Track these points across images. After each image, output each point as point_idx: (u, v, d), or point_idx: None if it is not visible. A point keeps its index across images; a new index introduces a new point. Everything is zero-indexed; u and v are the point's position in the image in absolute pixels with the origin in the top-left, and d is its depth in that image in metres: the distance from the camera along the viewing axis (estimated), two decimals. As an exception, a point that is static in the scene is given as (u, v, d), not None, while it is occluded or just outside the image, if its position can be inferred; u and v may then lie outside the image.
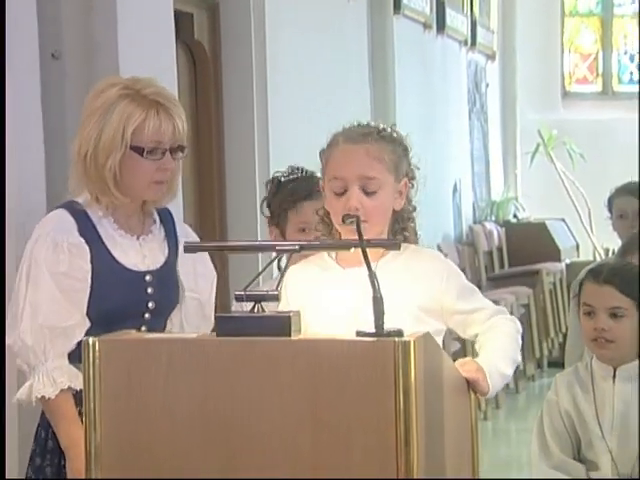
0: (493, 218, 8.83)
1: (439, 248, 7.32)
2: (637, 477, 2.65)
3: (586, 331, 2.70)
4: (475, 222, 8.48)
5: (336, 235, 2.24)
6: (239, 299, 1.88)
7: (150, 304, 2.47)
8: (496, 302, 7.70)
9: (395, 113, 6.21)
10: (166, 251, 2.53)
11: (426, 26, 7.49)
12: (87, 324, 2.41)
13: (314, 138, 2.38)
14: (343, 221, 2.15)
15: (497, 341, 2.19)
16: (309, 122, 4.86)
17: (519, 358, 2.27)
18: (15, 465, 2.90)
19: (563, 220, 9.03)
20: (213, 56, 4.67)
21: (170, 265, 2.53)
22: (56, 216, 2.46)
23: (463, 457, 2.07)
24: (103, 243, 2.45)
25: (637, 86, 9.61)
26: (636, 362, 2.68)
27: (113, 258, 2.44)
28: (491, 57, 9.20)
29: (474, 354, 2.21)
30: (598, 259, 8.08)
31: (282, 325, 1.84)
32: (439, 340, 2.16)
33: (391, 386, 1.75)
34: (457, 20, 8.14)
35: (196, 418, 1.83)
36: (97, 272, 2.42)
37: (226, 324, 1.86)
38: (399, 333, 1.79)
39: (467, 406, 2.07)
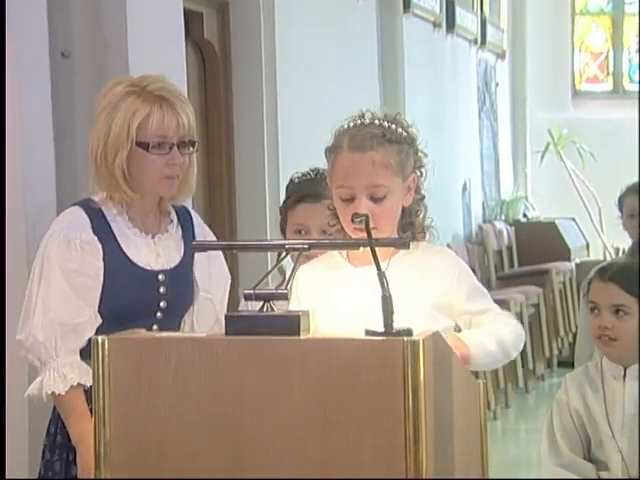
0: (503, 217, 8.82)
1: (449, 247, 7.30)
2: (647, 477, 2.64)
3: (592, 328, 2.70)
4: (485, 221, 8.47)
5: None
6: (248, 298, 1.88)
7: (162, 303, 2.47)
8: (506, 301, 7.66)
9: (405, 112, 6.20)
10: (182, 251, 2.53)
11: (436, 25, 7.48)
12: (98, 321, 2.42)
13: (323, 136, 2.37)
14: (352, 220, 2.15)
15: (491, 326, 2.19)
16: (318, 120, 4.85)
17: (510, 350, 2.25)
18: (25, 462, 2.90)
19: (573, 219, 9.01)
20: (223, 55, 4.67)
21: (185, 265, 2.53)
22: (71, 213, 2.48)
23: (472, 456, 2.06)
24: (116, 241, 2.45)
25: (647, 85, 9.60)
26: (647, 361, 2.67)
27: (126, 256, 2.45)
28: (501, 56, 9.19)
29: None
30: (608, 258, 8.06)
31: (291, 324, 1.83)
32: None
33: (400, 385, 1.75)
34: (467, 19, 8.13)
35: (205, 417, 1.83)
36: (109, 270, 2.43)
37: (235, 323, 1.86)
38: (408, 332, 1.79)
39: (476, 405, 2.07)
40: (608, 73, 10.09)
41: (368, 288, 2.06)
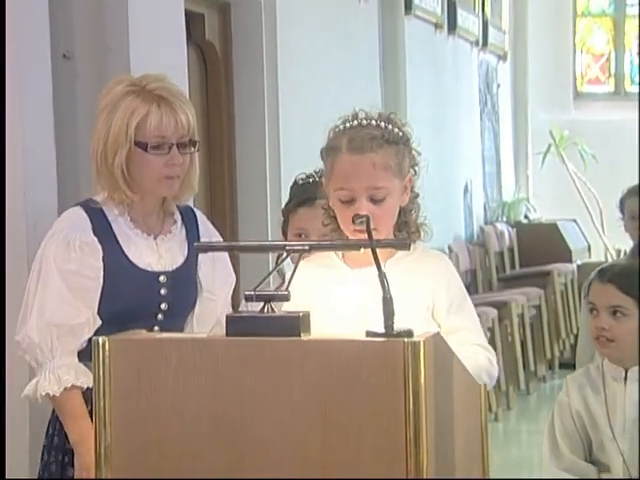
0: (504, 219, 8.82)
1: (450, 248, 7.31)
2: (648, 479, 2.64)
3: (590, 329, 2.71)
4: (486, 223, 8.47)
5: (343, 233, 2.24)
6: (249, 299, 1.88)
7: (163, 305, 2.46)
8: (507, 303, 7.62)
9: (406, 113, 6.20)
10: (186, 252, 2.51)
11: (437, 26, 7.48)
12: (97, 323, 2.40)
13: (325, 138, 2.37)
14: (353, 221, 2.15)
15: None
16: (320, 121, 4.85)
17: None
18: (26, 462, 2.90)
19: (574, 221, 9.01)
20: (224, 56, 4.67)
21: (189, 266, 2.51)
22: (71, 214, 2.47)
23: (473, 458, 2.06)
24: (117, 242, 2.44)
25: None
26: (648, 363, 2.67)
27: (126, 257, 2.44)
28: (502, 57, 9.19)
29: None
30: (610, 260, 8.06)
31: (292, 325, 1.83)
32: None
33: (401, 387, 1.75)
34: (468, 20, 8.13)
35: (205, 418, 1.83)
36: (109, 271, 2.42)
37: (236, 324, 1.86)
38: (409, 333, 1.79)
39: (477, 407, 2.07)
40: (610, 75, 10.09)
41: (364, 289, 2.07)
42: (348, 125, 2.21)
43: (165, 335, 2.02)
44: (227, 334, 1.86)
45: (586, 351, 3.15)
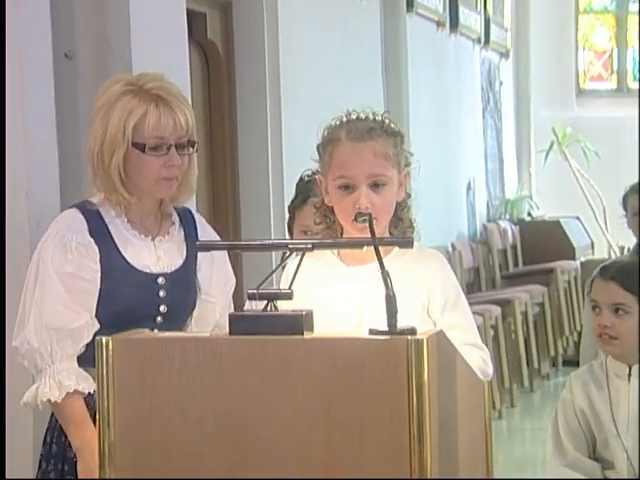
0: (507, 216, 8.81)
1: (453, 246, 7.31)
2: (653, 476, 2.64)
3: (593, 327, 2.70)
4: (489, 220, 8.46)
5: (337, 229, 2.24)
6: (252, 297, 1.88)
7: (162, 307, 2.42)
8: (510, 301, 7.61)
9: (408, 111, 6.20)
10: (184, 253, 2.47)
11: (439, 24, 7.48)
12: (96, 326, 2.36)
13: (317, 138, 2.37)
14: (355, 219, 2.15)
15: None
16: (322, 121, 4.86)
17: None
18: (29, 468, 2.90)
19: (578, 218, 9.00)
20: (226, 55, 4.67)
21: (188, 268, 2.47)
22: (67, 216, 2.43)
23: (477, 456, 2.06)
24: (114, 243, 2.40)
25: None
26: (651, 360, 2.67)
27: (124, 259, 2.40)
28: (505, 55, 9.18)
29: None
30: (613, 257, 8.05)
31: (295, 324, 1.83)
32: None
33: (404, 384, 1.75)
34: (470, 18, 8.12)
35: (209, 417, 1.83)
36: (106, 273, 2.38)
37: (239, 323, 1.86)
38: (412, 331, 1.79)
39: (481, 405, 2.07)
40: (612, 71, 10.08)
41: (362, 287, 2.06)
42: (345, 119, 2.22)
43: (168, 334, 2.02)
44: (230, 333, 1.86)
45: (590, 348, 3.15)
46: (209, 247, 2.37)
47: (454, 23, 7.69)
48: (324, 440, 1.78)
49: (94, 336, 2.32)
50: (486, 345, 2.27)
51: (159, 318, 2.42)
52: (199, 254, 2.48)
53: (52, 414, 2.44)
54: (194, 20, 4.34)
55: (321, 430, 1.78)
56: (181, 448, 1.84)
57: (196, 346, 1.86)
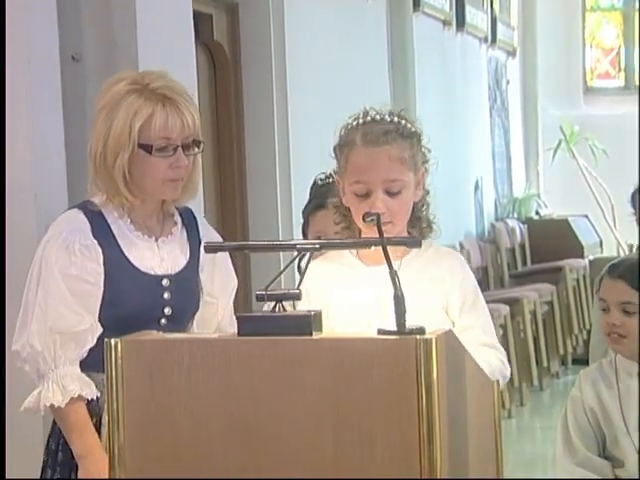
0: (515, 215, 8.80)
1: (461, 245, 7.30)
2: (663, 474, 2.63)
3: (602, 326, 2.70)
4: (497, 219, 8.45)
5: (356, 229, 2.23)
6: (260, 299, 1.88)
7: (166, 310, 2.37)
8: (519, 300, 7.58)
9: (415, 111, 6.20)
10: (188, 253, 2.42)
11: (446, 23, 7.47)
12: (99, 329, 2.32)
13: (334, 137, 2.37)
14: (363, 219, 2.15)
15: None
16: (329, 121, 4.86)
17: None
18: (29, 468, 2.89)
19: (586, 216, 8.98)
20: (232, 57, 4.68)
21: (191, 269, 2.43)
22: (69, 217, 2.38)
23: (487, 455, 2.06)
24: (118, 245, 2.35)
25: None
26: (661, 358, 2.66)
27: (127, 261, 2.35)
28: (512, 53, 9.17)
29: None
30: (622, 255, 8.04)
31: (303, 324, 1.83)
32: None
33: (413, 384, 1.74)
34: (477, 17, 8.12)
35: (218, 418, 1.83)
36: (110, 275, 2.33)
37: (248, 324, 1.86)
38: (421, 331, 1.79)
39: (490, 404, 2.06)
40: (620, 69, 10.06)
41: (381, 287, 2.06)
42: (361, 121, 2.20)
43: (177, 335, 2.02)
44: (239, 334, 1.86)
45: (599, 346, 3.14)
46: (217, 248, 2.36)
47: (461, 22, 7.69)
48: (333, 440, 1.78)
49: (98, 340, 2.29)
50: (496, 344, 2.27)
51: (163, 320, 2.38)
52: (201, 255, 2.44)
53: (54, 421, 2.38)
54: (200, 21, 4.34)
55: (330, 430, 1.78)
56: (190, 449, 1.84)
57: (205, 347, 1.85)
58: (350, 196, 2.20)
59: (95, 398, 2.30)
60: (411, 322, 1.81)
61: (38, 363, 2.30)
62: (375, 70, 6.19)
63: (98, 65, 3.28)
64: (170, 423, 1.85)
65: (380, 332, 1.82)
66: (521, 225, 8.59)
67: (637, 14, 9.59)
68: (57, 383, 2.29)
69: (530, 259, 8.48)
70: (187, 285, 2.42)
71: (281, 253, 3.69)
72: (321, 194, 2.68)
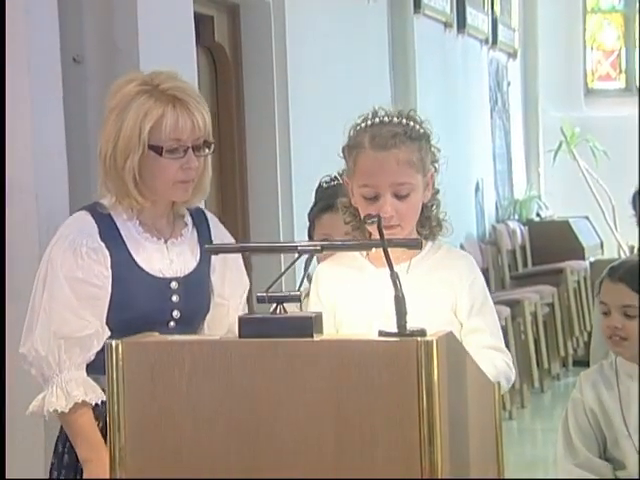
0: (516, 217, 8.80)
1: (462, 247, 7.30)
2: (664, 475, 2.63)
3: (602, 328, 2.70)
4: (498, 221, 8.45)
5: (366, 230, 2.22)
6: (261, 300, 1.88)
7: (175, 313, 2.36)
8: (520, 301, 7.59)
9: (416, 112, 6.19)
10: (198, 255, 2.40)
11: (447, 25, 7.48)
12: (107, 333, 2.30)
13: (335, 137, 2.37)
14: (365, 221, 2.15)
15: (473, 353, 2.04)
16: (330, 121, 4.87)
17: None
18: (30, 468, 2.89)
19: (587, 218, 8.98)
20: (234, 58, 4.68)
21: (201, 270, 2.41)
22: (77, 219, 2.37)
23: (488, 457, 2.06)
24: (126, 248, 2.34)
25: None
26: (662, 360, 2.66)
27: (135, 264, 2.34)
28: (512, 55, 9.17)
29: None
30: (622, 257, 8.04)
31: (304, 326, 1.83)
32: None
33: (414, 386, 1.75)
34: (478, 19, 8.12)
35: (219, 419, 1.83)
36: (118, 278, 2.32)
37: (249, 325, 1.86)
38: (422, 332, 1.79)
39: (491, 405, 2.07)
40: (620, 71, 10.06)
41: (390, 289, 2.06)
42: (369, 122, 2.19)
43: (178, 337, 2.02)
44: (240, 335, 1.86)
45: (600, 348, 3.14)
46: (217, 250, 2.36)
47: (461, 24, 7.69)
48: (334, 441, 1.78)
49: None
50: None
51: (172, 323, 2.37)
52: (212, 256, 2.43)
53: None
54: (202, 23, 4.34)
55: (331, 431, 1.78)
56: (192, 451, 1.84)
57: (206, 349, 1.86)
58: (358, 198, 2.20)
59: (100, 402, 2.28)
60: (417, 323, 1.80)
61: (42, 368, 2.30)
62: (376, 71, 6.19)
63: (99, 67, 3.28)
64: (171, 425, 1.85)
65: (381, 334, 1.82)
66: (522, 227, 8.59)
67: (638, 16, 9.59)
68: (61, 388, 2.27)
69: (531, 261, 8.48)
70: (197, 287, 2.40)
71: (282, 255, 3.69)
72: (326, 197, 2.67)
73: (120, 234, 2.35)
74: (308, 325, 1.83)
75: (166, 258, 2.38)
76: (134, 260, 2.35)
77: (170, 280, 2.37)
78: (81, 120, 3.23)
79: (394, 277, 1.85)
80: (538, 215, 9.11)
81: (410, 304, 1.82)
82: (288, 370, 1.81)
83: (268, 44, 4.72)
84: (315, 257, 2.02)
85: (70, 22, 3.22)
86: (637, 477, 2.66)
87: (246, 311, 2.51)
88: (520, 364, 6.66)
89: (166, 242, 2.40)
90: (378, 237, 2.11)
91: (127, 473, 1.86)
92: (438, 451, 1.75)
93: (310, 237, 2.74)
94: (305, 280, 2.28)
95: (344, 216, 2.26)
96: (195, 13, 3.73)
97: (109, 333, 2.32)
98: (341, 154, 2.25)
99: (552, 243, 8.41)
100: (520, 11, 9.41)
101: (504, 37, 8.80)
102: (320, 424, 1.79)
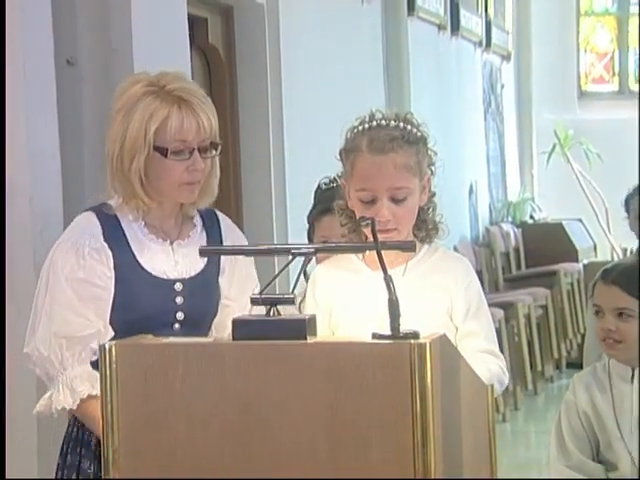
0: (510, 219, 8.81)
1: (456, 249, 7.30)
2: (657, 478, 2.63)
3: (596, 331, 2.70)
4: (492, 223, 8.46)
5: (362, 233, 2.22)
6: (255, 302, 1.88)
7: (179, 314, 2.34)
8: (513, 303, 7.60)
9: (413, 115, 6.19)
10: (206, 258, 2.37)
11: (440, 27, 7.48)
12: (109, 333, 2.30)
13: (329, 139, 2.37)
14: (359, 224, 2.15)
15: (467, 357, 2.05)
16: (324, 124, 4.87)
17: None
18: (30, 468, 2.89)
19: (580, 220, 9.00)
20: (228, 60, 4.68)
21: (209, 272, 2.39)
22: (82, 219, 2.36)
23: (481, 459, 2.06)
24: (129, 248, 2.33)
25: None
26: (655, 362, 2.67)
27: (139, 265, 2.32)
28: (506, 58, 9.19)
29: None
30: (616, 259, 8.05)
31: (298, 328, 1.84)
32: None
33: (408, 388, 1.75)
34: (472, 21, 8.13)
35: (213, 421, 1.83)
36: (121, 279, 2.31)
37: (243, 328, 1.86)
38: (415, 335, 1.79)
39: (485, 408, 2.07)
40: (614, 74, 10.08)
41: (385, 291, 2.06)
42: (367, 126, 2.19)
43: (172, 340, 2.02)
44: (234, 338, 1.86)
45: (593, 351, 3.15)
46: (211, 252, 2.36)
47: (455, 26, 7.70)
48: (328, 443, 1.79)
49: None
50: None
51: (177, 325, 2.35)
52: (222, 257, 2.41)
53: (69, 424, 2.38)
54: (196, 25, 4.34)
55: (325, 433, 1.79)
56: (185, 453, 1.84)
57: (200, 351, 1.86)
58: (355, 201, 2.20)
59: None
60: (412, 326, 1.81)
61: (46, 367, 2.30)
62: (370, 73, 6.20)
63: (94, 69, 3.28)
64: (165, 427, 1.85)
65: (374, 336, 1.82)
66: (515, 229, 8.60)
67: (636, 19, 9.61)
68: (67, 385, 2.28)
69: (524, 263, 8.49)
70: (202, 289, 2.39)
71: (276, 257, 3.69)
72: (326, 199, 2.66)
73: (125, 235, 2.34)
74: (302, 328, 1.83)
75: (171, 259, 2.37)
76: (137, 261, 2.34)
77: (174, 282, 2.35)
78: (75, 122, 3.23)
79: (387, 280, 1.85)
80: (532, 217, 9.12)
81: (406, 307, 1.82)
82: (282, 372, 1.81)
83: (262, 46, 4.72)
84: (314, 258, 2.02)
85: (64, 24, 3.22)
86: (630, 478, 2.66)
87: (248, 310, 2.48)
88: (513, 366, 6.67)
89: (172, 243, 2.38)
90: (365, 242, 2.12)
91: (120, 474, 1.86)
92: (431, 453, 1.75)
93: (310, 239, 2.74)
94: (303, 281, 2.28)
95: (340, 218, 2.26)
96: (189, 15, 3.73)
97: (112, 333, 2.31)
98: (337, 156, 2.25)
99: (545, 245, 8.42)
100: (514, 13, 9.42)
101: (498, 40, 8.81)
102: (314, 426, 1.79)
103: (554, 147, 9.05)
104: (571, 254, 8.43)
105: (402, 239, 2.18)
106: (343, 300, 2.19)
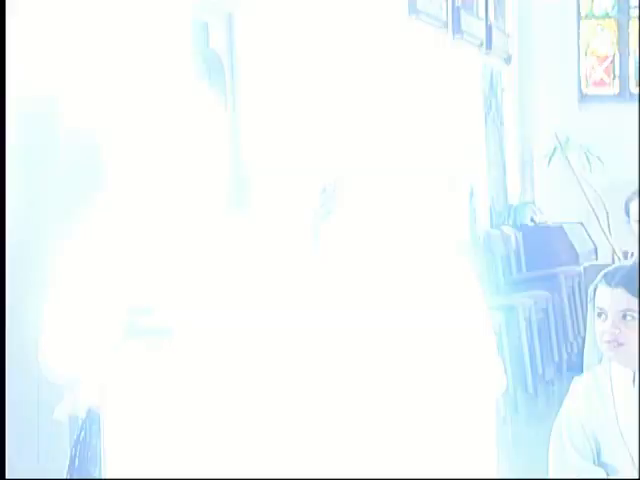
0: (510, 222, 8.81)
1: (456, 253, 7.30)
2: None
3: (598, 333, 2.70)
4: (492, 226, 8.46)
5: None
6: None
7: None
8: (514, 307, 7.56)
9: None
10: None
11: (442, 30, 7.48)
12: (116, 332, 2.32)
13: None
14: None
15: None
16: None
17: None
18: (30, 468, 2.89)
19: (581, 223, 8.99)
20: (228, 65, 4.68)
21: None
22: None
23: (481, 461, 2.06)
24: None
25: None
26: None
27: None
28: (507, 61, 9.19)
29: None
30: (617, 262, 8.05)
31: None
32: None
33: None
34: (472, 24, 8.13)
35: (201, 420, 1.83)
36: None
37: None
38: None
39: (485, 410, 2.07)
40: (614, 77, 10.08)
41: None
42: None
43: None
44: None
45: (594, 354, 3.15)
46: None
47: (456, 29, 7.70)
48: (321, 441, 1.79)
49: None
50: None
51: None
52: None
53: (81, 428, 2.37)
54: (196, 30, 4.34)
55: (319, 430, 1.79)
56: (177, 453, 1.84)
57: (192, 347, 1.85)
58: None
59: None
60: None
61: (57, 372, 2.27)
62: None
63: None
64: (157, 424, 1.85)
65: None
66: (516, 232, 8.59)
67: (637, 22, 9.61)
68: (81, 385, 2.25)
69: (525, 266, 8.48)
70: None
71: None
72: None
73: None
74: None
75: None
76: None
77: None
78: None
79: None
80: (532, 221, 9.11)
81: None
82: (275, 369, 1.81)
83: (263, 50, 4.72)
84: None
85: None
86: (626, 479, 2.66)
87: None
88: (514, 369, 6.66)
89: None
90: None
91: (113, 473, 1.87)
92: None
93: None
94: None
95: None
96: (190, 20, 3.73)
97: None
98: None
99: (546, 249, 8.42)
100: (515, 17, 9.43)
101: (498, 42, 8.81)
102: (307, 423, 1.79)
103: (555, 150, 9.04)
104: (571, 257, 8.42)
105: None
106: None
